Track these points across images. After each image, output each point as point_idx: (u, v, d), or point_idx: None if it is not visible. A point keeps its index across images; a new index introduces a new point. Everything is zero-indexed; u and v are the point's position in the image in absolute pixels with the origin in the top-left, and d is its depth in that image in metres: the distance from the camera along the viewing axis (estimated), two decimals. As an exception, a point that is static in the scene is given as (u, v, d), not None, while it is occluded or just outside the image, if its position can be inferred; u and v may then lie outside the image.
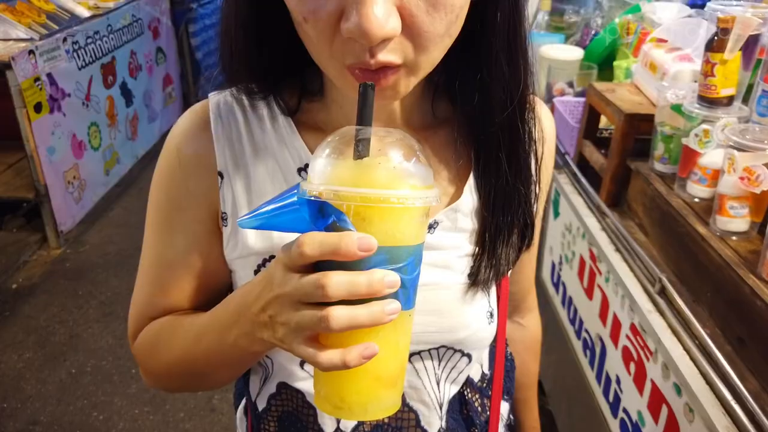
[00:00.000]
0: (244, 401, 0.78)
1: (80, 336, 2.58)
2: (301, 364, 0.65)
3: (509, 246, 0.66)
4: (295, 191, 0.45)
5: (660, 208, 1.30)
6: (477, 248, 0.66)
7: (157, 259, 0.67)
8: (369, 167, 0.44)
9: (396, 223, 0.43)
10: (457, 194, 0.65)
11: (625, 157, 1.44)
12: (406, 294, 0.45)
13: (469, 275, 0.65)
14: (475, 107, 0.60)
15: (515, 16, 0.56)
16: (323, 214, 0.43)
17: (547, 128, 0.70)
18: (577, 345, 1.57)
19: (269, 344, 0.49)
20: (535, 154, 0.66)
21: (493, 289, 0.69)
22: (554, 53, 2.08)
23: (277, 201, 0.46)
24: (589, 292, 1.50)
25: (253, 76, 0.60)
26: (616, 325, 1.33)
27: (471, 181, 0.65)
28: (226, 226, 0.64)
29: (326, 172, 0.44)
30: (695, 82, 1.35)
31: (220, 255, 0.65)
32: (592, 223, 1.50)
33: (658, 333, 1.13)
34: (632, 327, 1.25)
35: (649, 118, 1.38)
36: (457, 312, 0.65)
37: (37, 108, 2.83)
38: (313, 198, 0.43)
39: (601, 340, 1.41)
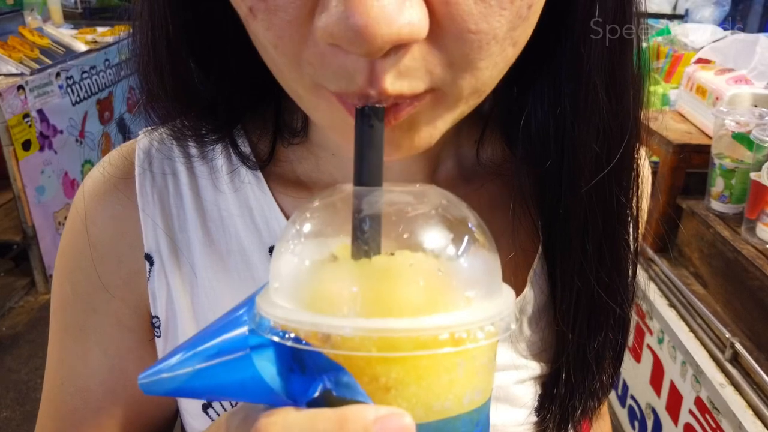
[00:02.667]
0: None
1: (63, 392, 2.38)
2: None
3: (595, 382, 0.44)
4: (245, 319, 0.25)
5: (723, 256, 1.09)
6: (547, 368, 0.44)
7: (63, 383, 0.45)
8: (386, 272, 0.24)
9: (451, 380, 0.24)
10: (517, 285, 0.43)
11: (675, 194, 1.24)
12: None
13: (536, 410, 0.44)
14: (549, 161, 0.38)
15: (626, 12, 0.34)
16: (304, 371, 0.24)
17: (648, 185, 0.47)
18: (622, 413, 1.35)
19: None
20: (636, 226, 0.43)
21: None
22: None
23: (210, 336, 0.26)
24: (635, 354, 1.28)
25: (196, 109, 0.39)
26: (675, 396, 1.11)
27: (537, 267, 0.43)
28: (159, 336, 0.43)
29: (303, 284, 0.24)
30: (755, 106, 1.17)
31: None
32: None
33: (737, 414, 0.92)
34: (698, 402, 1.03)
35: (701, 150, 1.19)
36: None
37: (26, 146, 2.69)
38: (284, 341, 0.23)
39: (654, 412, 1.19)
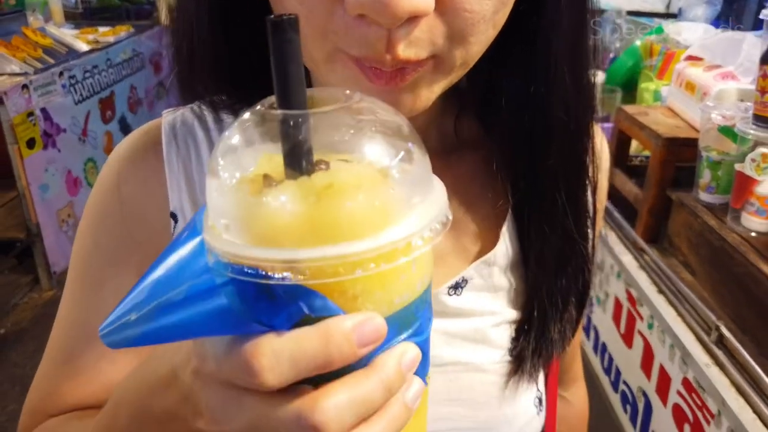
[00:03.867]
0: None
1: (69, 385, 2.42)
2: None
3: (564, 321, 0.50)
4: (202, 260, 0.25)
5: (710, 244, 1.14)
6: (520, 314, 0.51)
7: (73, 330, 0.48)
8: (334, 190, 0.24)
9: (407, 277, 0.27)
10: (490, 241, 0.49)
11: (664, 186, 1.29)
12: (424, 358, 0.29)
13: (510, 351, 0.50)
14: (522, 130, 0.45)
15: (582, 9, 0.42)
16: (274, 299, 0.25)
17: (604, 157, 0.55)
18: (615, 398, 1.40)
19: None
20: (594, 191, 0.51)
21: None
22: (573, 77, 1.95)
23: (172, 283, 0.26)
24: (627, 339, 1.33)
25: (220, 82, 0.45)
26: (664, 378, 1.15)
27: (508, 225, 0.50)
28: None
29: (247, 216, 0.24)
30: (741, 101, 1.21)
31: None
32: (628, 260, 1.34)
33: (721, 392, 0.96)
34: (685, 382, 1.08)
35: (690, 143, 1.24)
36: (497, 402, 0.49)
37: (30, 144, 2.72)
38: (257, 279, 0.24)
39: (644, 395, 1.23)
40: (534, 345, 0.49)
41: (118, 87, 3.51)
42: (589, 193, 0.50)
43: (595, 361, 1.53)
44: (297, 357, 0.24)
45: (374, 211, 0.25)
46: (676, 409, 1.11)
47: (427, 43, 0.33)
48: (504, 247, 0.49)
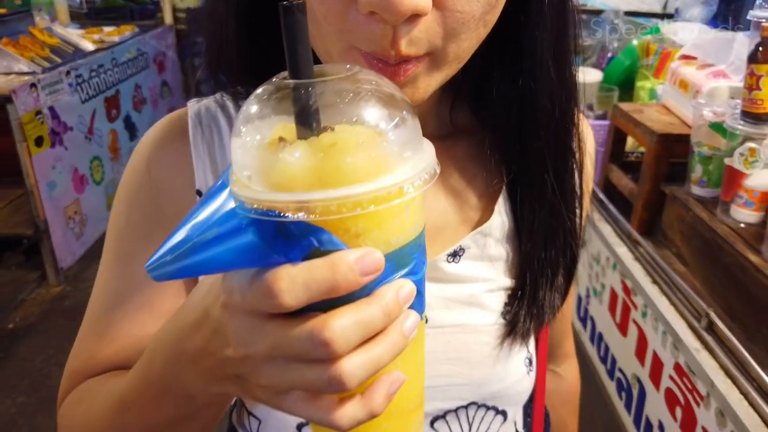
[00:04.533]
0: None
1: (77, 378, 2.46)
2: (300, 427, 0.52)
3: (553, 289, 0.55)
4: (230, 206, 0.30)
5: (701, 236, 1.19)
6: (513, 282, 0.56)
7: (106, 298, 0.53)
8: (338, 147, 0.29)
9: (401, 221, 0.31)
10: (486, 215, 0.55)
11: (658, 181, 1.33)
12: (420, 297, 0.33)
13: (503, 315, 0.54)
14: (512, 118, 0.50)
15: (564, 10, 0.47)
16: (289, 237, 0.29)
17: (589, 146, 0.60)
18: (611, 386, 1.44)
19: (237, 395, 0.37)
20: (580, 174, 0.56)
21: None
22: (571, 76, 1.99)
23: (204, 226, 0.30)
24: (622, 328, 1.37)
25: (243, 76, 0.50)
26: (657, 364, 1.20)
27: (502, 201, 0.55)
28: None
29: (266, 168, 0.29)
30: (732, 98, 1.26)
31: None
32: (623, 252, 1.39)
33: (710, 374, 1.01)
34: (677, 367, 1.12)
35: (683, 139, 1.29)
36: (491, 360, 0.54)
37: (38, 142, 2.77)
38: (278, 219, 0.28)
39: (639, 381, 1.28)
40: (526, 310, 0.54)
41: (123, 86, 3.56)
42: (576, 174, 0.55)
43: (592, 351, 1.58)
44: (309, 282, 0.28)
45: (371, 162, 0.29)
46: (668, 393, 1.16)
47: (425, 41, 0.38)
48: (499, 220, 0.54)
